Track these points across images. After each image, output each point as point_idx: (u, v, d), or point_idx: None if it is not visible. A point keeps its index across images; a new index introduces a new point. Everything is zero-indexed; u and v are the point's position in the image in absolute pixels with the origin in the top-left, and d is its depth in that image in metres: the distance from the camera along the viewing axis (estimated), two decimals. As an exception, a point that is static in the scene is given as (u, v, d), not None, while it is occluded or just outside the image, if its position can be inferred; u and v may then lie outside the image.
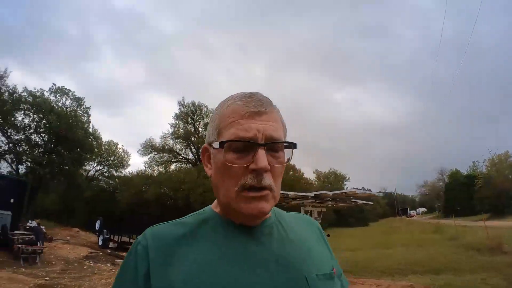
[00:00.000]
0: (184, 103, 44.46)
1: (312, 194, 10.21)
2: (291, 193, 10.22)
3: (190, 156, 45.41)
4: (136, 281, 0.70)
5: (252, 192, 0.72)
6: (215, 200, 0.87)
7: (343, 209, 30.52)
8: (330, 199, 10.89)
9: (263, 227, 0.81)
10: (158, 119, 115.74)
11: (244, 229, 0.78)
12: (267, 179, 0.72)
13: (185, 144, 44.59)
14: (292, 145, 0.78)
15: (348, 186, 66.44)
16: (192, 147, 44.94)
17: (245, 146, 0.72)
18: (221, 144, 0.73)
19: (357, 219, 54.73)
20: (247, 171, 0.72)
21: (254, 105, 0.75)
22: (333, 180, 64.10)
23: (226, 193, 0.75)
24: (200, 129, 45.09)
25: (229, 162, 0.72)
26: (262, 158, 0.70)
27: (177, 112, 44.54)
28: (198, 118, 45.13)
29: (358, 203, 12.66)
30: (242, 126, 0.73)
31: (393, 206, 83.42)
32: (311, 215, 9.94)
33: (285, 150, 0.78)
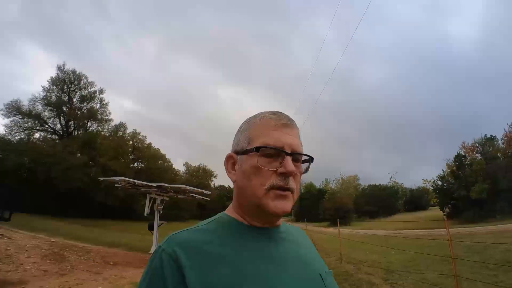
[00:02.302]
0: (64, 68, 41.61)
1: (155, 184, 12.25)
2: (138, 182, 12.07)
3: (58, 126, 42.57)
4: None
5: (280, 191, 0.81)
6: (230, 206, 0.96)
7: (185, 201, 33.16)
8: (172, 191, 13.23)
9: (279, 232, 0.92)
10: (29, 75, 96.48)
11: (264, 233, 0.87)
12: (292, 183, 0.83)
13: (55, 112, 41.43)
14: (311, 159, 0.91)
15: (215, 183, 70.11)
16: (62, 118, 42.27)
17: (274, 153, 0.84)
18: (257, 149, 0.83)
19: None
20: (275, 174, 0.82)
21: (284, 119, 0.89)
22: (202, 175, 65.18)
23: (254, 192, 0.83)
24: (74, 100, 42.69)
25: (261, 165, 0.82)
26: (290, 163, 0.82)
27: (54, 76, 41.18)
28: (75, 89, 42.83)
29: (195, 197, 15.70)
30: (273, 136, 0.85)
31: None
32: (154, 202, 12.03)
33: (303, 164, 0.91)
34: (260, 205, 0.83)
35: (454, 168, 41.98)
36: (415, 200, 58.85)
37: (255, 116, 0.94)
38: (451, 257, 6.42)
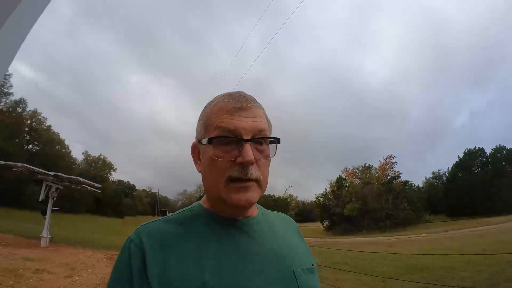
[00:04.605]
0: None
1: (52, 173, 13.10)
2: (37, 169, 12.89)
3: None
4: (131, 279, 0.70)
5: (239, 183, 0.75)
6: (204, 196, 0.90)
7: (98, 195, 33.26)
8: (67, 181, 14.19)
9: (252, 223, 0.85)
10: None
11: (235, 224, 0.82)
12: (253, 171, 0.76)
13: None
14: (276, 140, 0.83)
15: (114, 177, 68.52)
16: None
17: (232, 141, 0.77)
18: (209, 140, 0.77)
19: (113, 210, 56.94)
20: (234, 164, 0.75)
21: (239, 101, 0.80)
22: (101, 166, 62.93)
23: (214, 185, 0.78)
24: None
25: (216, 156, 0.76)
26: (248, 151, 0.74)
27: None
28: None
29: (88, 189, 17.03)
30: (228, 122, 0.77)
31: (155, 206, 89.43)
32: (50, 189, 12.96)
33: (270, 146, 0.83)
34: (222, 199, 0.78)
35: (335, 188, 48.69)
36: (306, 213, 65.22)
37: (211, 101, 0.86)
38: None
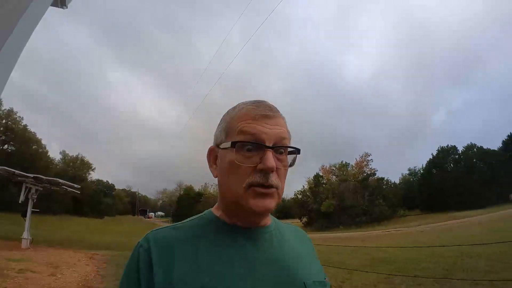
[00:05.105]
0: None
1: (32, 175, 13.36)
2: (17, 171, 13.09)
3: None
4: (139, 282, 0.73)
5: (260, 188, 0.75)
6: (216, 204, 0.90)
7: (80, 196, 33.16)
8: (46, 182, 14.44)
9: (263, 232, 0.85)
10: None
11: (244, 233, 0.82)
12: (274, 179, 0.76)
13: None
14: (296, 151, 0.84)
15: (93, 176, 66.38)
16: None
17: (254, 147, 0.77)
18: (232, 144, 0.76)
19: (93, 210, 55.90)
20: (255, 170, 0.76)
21: (264, 109, 0.80)
22: (79, 166, 60.73)
23: (233, 190, 0.78)
24: None
25: (238, 161, 0.76)
26: (270, 159, 0.75)
27: None
28: None
29: (67, 190, 17.42)
30: (252, 127, 0.77)
31: (135, 205, 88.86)
32: (29, 191, 13.15)
33: (289, 156, 0.84)
34: (240, 205, 0.78)
35: (312, 185, 49.90)
36: (285, 210, 66.34)
37: (234, 107, 0.87)
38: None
